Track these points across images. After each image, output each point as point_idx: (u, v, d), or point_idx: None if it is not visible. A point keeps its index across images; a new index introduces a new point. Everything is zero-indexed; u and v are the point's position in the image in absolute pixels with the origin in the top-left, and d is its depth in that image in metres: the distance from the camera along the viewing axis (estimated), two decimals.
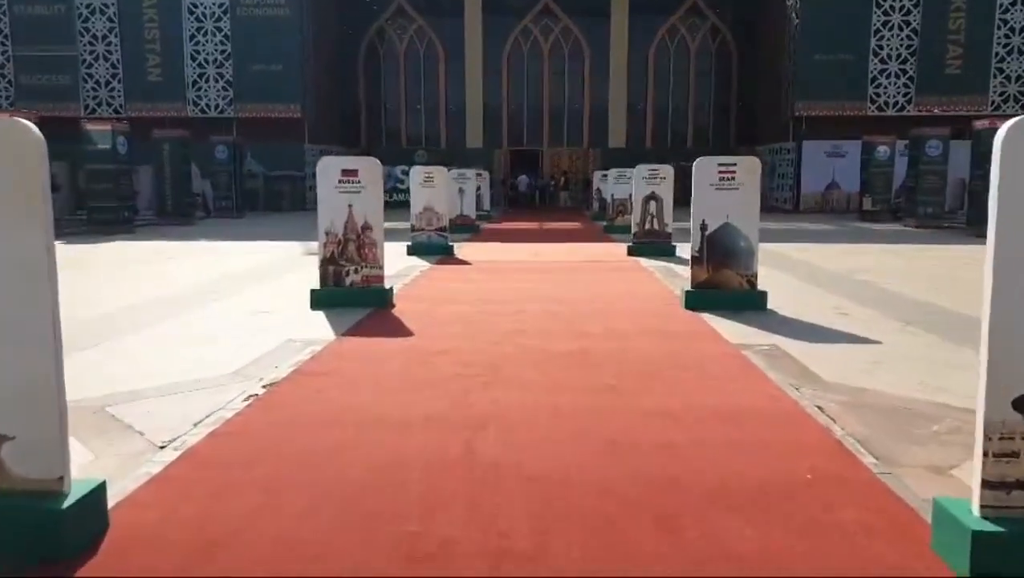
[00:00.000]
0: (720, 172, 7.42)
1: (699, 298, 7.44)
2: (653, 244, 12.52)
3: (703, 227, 7.48)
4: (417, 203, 12.81)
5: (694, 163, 7.53)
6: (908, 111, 26.98)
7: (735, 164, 7.44)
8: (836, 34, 26.83)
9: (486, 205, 23.09)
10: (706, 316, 7.05)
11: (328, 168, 7.62)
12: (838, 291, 8.67)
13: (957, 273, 10.42)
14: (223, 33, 28.54)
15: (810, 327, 6.64)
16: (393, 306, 7.60)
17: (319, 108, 30.65)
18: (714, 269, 7.50)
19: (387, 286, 7.77)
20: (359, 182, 7.56)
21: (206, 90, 28.89)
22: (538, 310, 7.37)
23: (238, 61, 28.53)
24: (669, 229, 12.62)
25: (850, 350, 5.74)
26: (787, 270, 10.32)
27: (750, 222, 7.45)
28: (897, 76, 27.08)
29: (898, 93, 27.17)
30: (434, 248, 12.68)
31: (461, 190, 17.96)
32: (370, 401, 4.37)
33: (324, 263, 7.66)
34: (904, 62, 27.01)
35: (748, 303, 7.42)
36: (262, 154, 28.94)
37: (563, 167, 35.58)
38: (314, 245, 14.26)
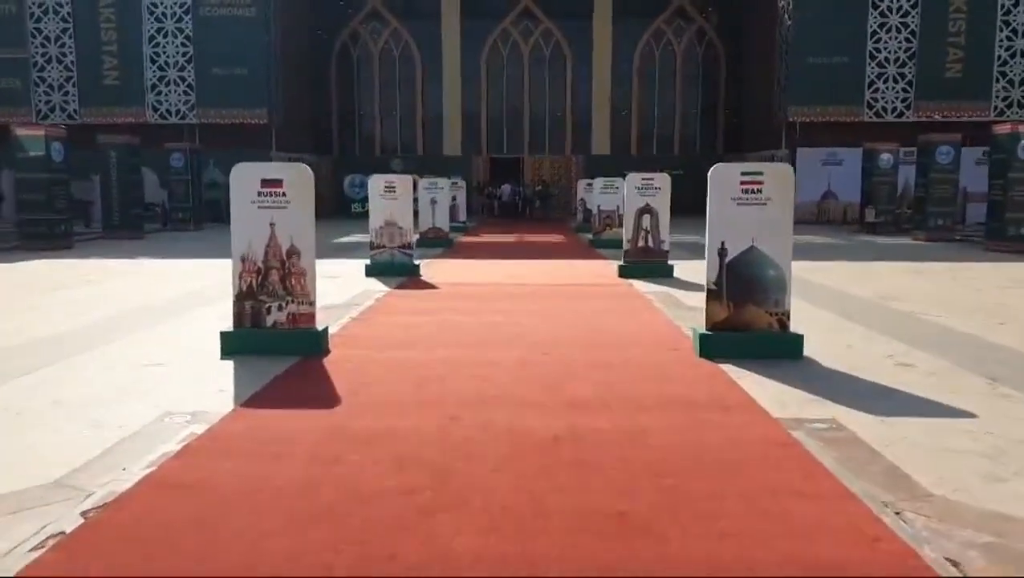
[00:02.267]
0: (743, 183, 5.84)
1: (718, 343, 5.84)
2: (647, 264, 10.94)
3: (722, 252, 5.89)
4: (377, 217, 11.16)
5: (710, 171, 5.94)
6: (907, 117, 25.62)
7: (762, 173, 5.86)
8: (831, 36, 25.44)
9: (462, 216, 21.45)
10: (729, 368, 5.46)
11: (243, 176, 5.97)
12: (880, 328, 7.10)
13: (1005, 300, 8.90)
14: (184, 34, 26.73)
15: (868, 387, 5.05)
16: (327, 353, 5.95)
17: (288, 114, 28.89)
18: (736, 306, 5.91)
19: (320, 327, 6.11)
20: (283, 195, 5.91)
21: (167, 94, 27.06)
22: (513, 359, 5.73)
23: (200, 64, 26.74)
24: (665, 246, 11.05)
25: (941, 431, 4.14)
26: (807, 297, 8.75)
27: (781, 245, 5.88)
28: (895, 80, 25.71)
29: (896, 98, 25.79)
30: (397, 268, 11.03)
31: (433, 201, 16.32)
32: (227, 554, 2.71)
33: (239, 298, 6.00)
34: (903, 66, 25.64)
35: (780, 350, 5.85)
36: (227, 162, 26.75)
37: (543, 175, 33.92)
38: None
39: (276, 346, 5.90)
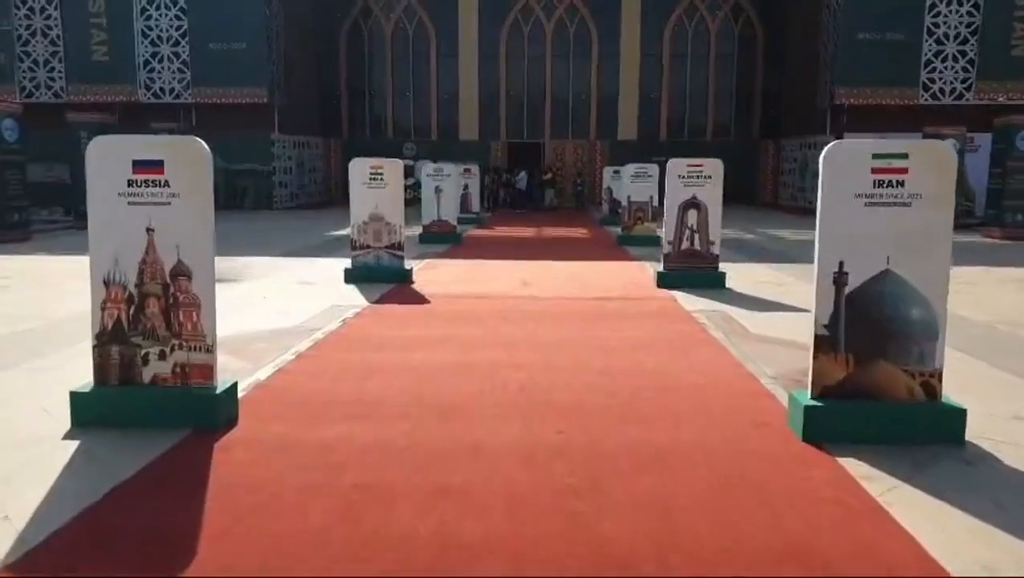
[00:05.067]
0: (877, 171, 3.73)
1: (833, 420, 3.76)
2: (693, 271, 8.82)
3: (839, 279, 3.79)
4: (360, 210, 9.12)
5: (823, 152, 3.82)
6: (967, 99, 23.17)
7: (907, 155, 3.73)
8: (884, 10, 23.01)
9: (475, 206, 19.37)
10: (858, 467, 3.38)
11: (104, 156, 3.93)
12: None
13: None
14: (178, 7, 24.79)
15: None
16: (232, 425, 3.92)
17: (292, 93, 26.91)
18: (859, 361, 3.81)
19: (225, 385, 4.06)
20: (166, 184, 3.88)
21: (160, 71, 25.17)
22: (509, 445, 3.66)
23: (196, 38, 24.79)
24: (715, 249, 8.92)
25: None
26: None
27: (933, 269, 3.76)
28: (955, 59, 23.24)
29: (955, 78, 23.34)
30: (383, 273, 9.00)
31: (438, 189, 14.25)
32: None
33: (102, 341, 3.98)
34: (963, 43, 23.14)
35: (929, 431, 3.75)
36: (225, 145, 25.14)
37: (561, 162, 31.65)
38: (238, 263, 10.61)
39: (155, 414, 3.89)
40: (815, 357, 3.86)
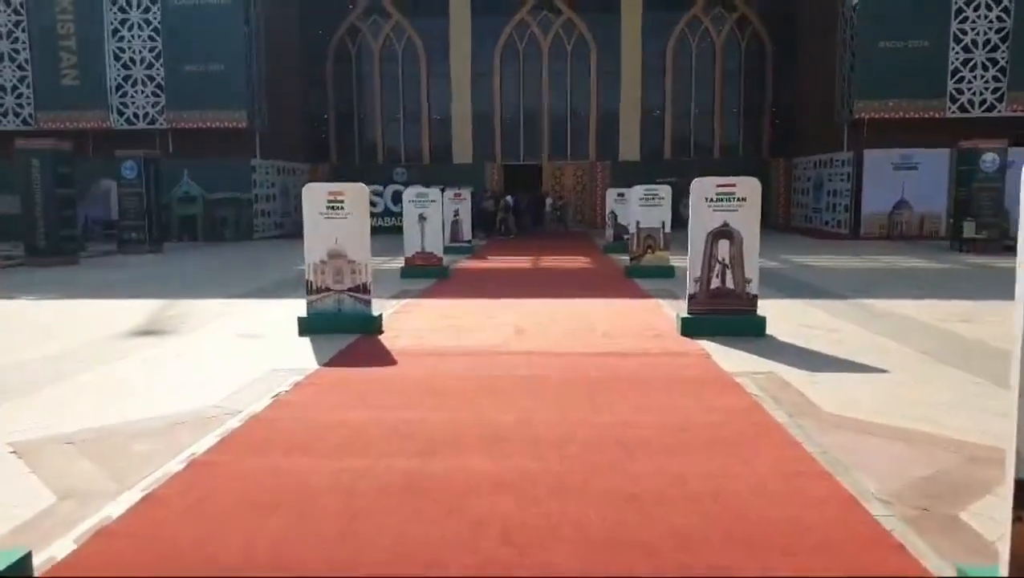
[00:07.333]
0: None
1: None
2: (726, 315, 7.14)
3: None
4: (317, 245, 7.47)
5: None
6: (999, 111, 21.61)
7: None
8: (906, 16, 21.54)
9: (466, 235, 17.72)
10: None
11: None
12: None
13: None
14: (152, 27, 23.38)
15: None
16: None
17: (275, 117, 25.41)
18: None
19: (8, 560, 2.40)
20: None
21: (133, 96, 23.69)
22: None
23: (171, 61, 23.34)
24: (752, 288, 7.25)
25: None
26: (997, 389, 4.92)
27: None
28: (984, 67, 21.70)
29: (986, 89, 21.79)
30: (346, 322, 7.34)
31: (421, 217, 12.60)
32: None
33: None
34: (993, 50, 21.63)
35: None
36: (201, 172, 23.76)
37: (560, 185, 30.14)
38: (179, 309, 9.03)
39: None
40: (1017, 518, 2.18)
